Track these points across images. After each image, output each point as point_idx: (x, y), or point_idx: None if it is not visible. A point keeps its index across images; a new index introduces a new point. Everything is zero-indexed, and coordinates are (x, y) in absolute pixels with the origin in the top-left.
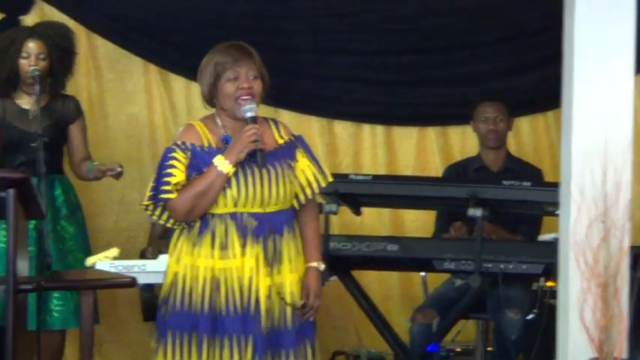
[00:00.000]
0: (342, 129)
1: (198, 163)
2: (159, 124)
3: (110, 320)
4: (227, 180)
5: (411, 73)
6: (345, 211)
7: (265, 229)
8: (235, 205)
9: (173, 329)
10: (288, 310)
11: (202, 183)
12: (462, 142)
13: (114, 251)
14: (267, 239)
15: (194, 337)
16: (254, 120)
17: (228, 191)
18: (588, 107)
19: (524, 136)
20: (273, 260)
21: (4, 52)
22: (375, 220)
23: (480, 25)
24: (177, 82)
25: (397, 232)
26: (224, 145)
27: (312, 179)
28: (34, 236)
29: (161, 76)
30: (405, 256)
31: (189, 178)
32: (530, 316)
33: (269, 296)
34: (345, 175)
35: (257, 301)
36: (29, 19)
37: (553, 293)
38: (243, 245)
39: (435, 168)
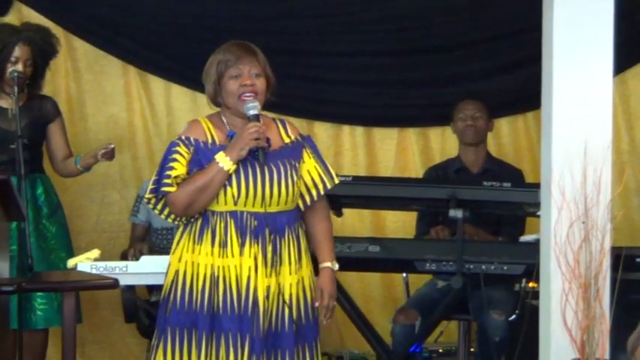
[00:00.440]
0: (322, 130)
1: (201, 158)
2: (138, 125)
3: (92, 321)
4: (228, 177)
5: (391, 74)
6: None
7: (265, 229)
8: (235, 204)
9: (173, 326)
10: (287, 311)
11: (202, 178)
12: (442, 143)
13: (95, 252)
14: (267, 240)
15: (192, 333)
16: (257, 118)
17: (228, 189)
18: (568, 108)
19: (504, 137)
20: (273, 261)
21: None
22: (356, 222)
23: (459, 27)
24: (157, 83)
25: (378, 233)
26: (228, 142)
27: (317, 180)
28: (15, 236)
29: (140, 77)
30: (386, 257)
31: (190, 173)
32: (512, 317)
33: (267, 297)
34: None
35: (255, 301)
36: (7, 21)
37: (535, 294)
38: (242, 244)
39: (415, 169)
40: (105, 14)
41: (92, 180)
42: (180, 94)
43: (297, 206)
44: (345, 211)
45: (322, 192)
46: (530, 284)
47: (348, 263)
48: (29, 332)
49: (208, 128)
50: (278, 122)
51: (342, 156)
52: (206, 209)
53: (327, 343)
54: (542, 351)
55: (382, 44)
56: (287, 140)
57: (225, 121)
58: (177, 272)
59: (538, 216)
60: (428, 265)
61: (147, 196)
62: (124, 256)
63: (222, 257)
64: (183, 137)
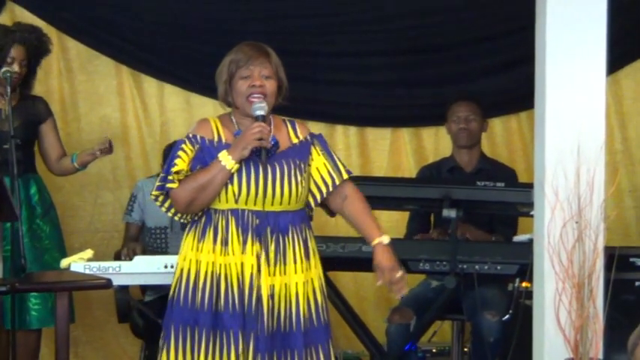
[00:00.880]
0: (316, 130)
1: (205, 156)
2: (131, 125)
3: (85, 322)
4: (230, 176)
5: (384, 74)
6: (320, 213)
7: (267, 227)
8: (236, 202)
9: (176, 324)
10: (294, 311)
11: (204, 176)
12: (436, 143)
13: (88, 252)
14: (270, 238)
15: (195, 331)
16: (263, 118)
17: (229, 187)
18: (561, 108)
19: (498, 137)
20: (276, 260)
21: None
22: None
23: (452, 27)
24: (150, 83)
25: None
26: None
27: (326, 177)
28: (9, 236)
29: (133, 77)
30: None
31: (194, 170)
32: (505, 317)
33: (272, 296)
34: None
35: (259, 299)
36: (0, 21)
37: (529, 294)
38: (244, 242)
39: (409, 169)
40: (98, 14)
41: (85, 180)
42: (173, 94)
43: (306, 207)
44: None
45: (331, 189)
46: (524, 284)
47: (341, 263)
48: (23, 332)
49: (216, 127)
50: (288, 123)
51: None
52: (209, 207)
53: None
54: (535, 351)
55: (376, 45)
56: (295, 141)
57: (234, 121)
58: (182, 270)
59: (531, 216)
60: (421, 264)
61: (153, 193)
62: (117, 257)
63: (224, 255)
64: (190, 135)
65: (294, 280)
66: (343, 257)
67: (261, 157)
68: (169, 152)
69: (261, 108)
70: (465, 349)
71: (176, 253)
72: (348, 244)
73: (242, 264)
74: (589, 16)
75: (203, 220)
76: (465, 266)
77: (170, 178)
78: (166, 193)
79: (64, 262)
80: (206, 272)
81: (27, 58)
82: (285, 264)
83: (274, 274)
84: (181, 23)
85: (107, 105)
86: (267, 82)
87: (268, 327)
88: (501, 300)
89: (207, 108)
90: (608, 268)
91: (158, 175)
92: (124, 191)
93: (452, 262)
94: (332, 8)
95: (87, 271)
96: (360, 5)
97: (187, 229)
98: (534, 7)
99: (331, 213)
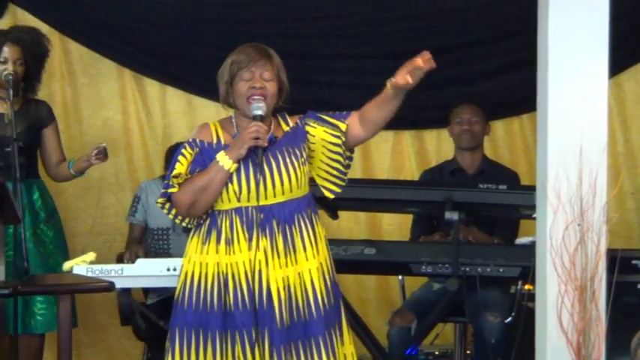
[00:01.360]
0: None
1: (205, 158)
2: (134, 128)
3: (88, 324)
4: (229, 176)
5: (385, 77)
6: (322, 215)
7: (272, 220)
8: (239, 200)
9: (182, 327)
10: (312, 297)
11: (203, 178)
12: (438, 145)
13: (91, 255)
14: (277, 231)
15: (204, 333)
16: (261, 118)
17: (230, 187)
18: (563, 110)
19: (500, 139)
20: (286, 251)
21: None
22: (352, 224)
23: (454, 29)
24: (152, 86)
25: (374, 236)
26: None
27: (332, 139)
28: (12, 240)
29: (135, 80)
30: (382, 260)
31: (192, 173)
32: (508, 320)
33: (285, 288)
34: None
35: (269, 294)
36: (2, 24)
37: (531, 296)
38: (250, 239)
39: (411, 171)
40: (100, 17)
41: (88, 183)
42: (175, 96)
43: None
44: (341, 213)
45: (343, 139)
46: (526, 286)
47: (344, 266)
48: (27, 336)
49: (216, 130)
50: (279, 117)
51: None
52: (212, 209)
53: None
54: (538, 353)
55: (377, 47)
56: (286, 129)
57: (234, 123)
58: (186, 274)
59: (534, 218)
60: (424, 267)
61: (159, 200)
62: (119, 259)
63: (229, 254)
64: (190, 140)
65: (307, 267)
66: (345, 260)
67: (257, 155)
68: (172, 155)
69: (259, 108)
70: (468, 352)
71: (178, 254)
72: (350, 246)
73: (250, 260)
74: (591, 18)
75: (207, 222)
76: (467, 269)
77: (170, 183)
78: (169, 199)
79: (66, 265)
80: (213, 273)
81: (22, 58)
82: (295, 253)
83: (286, 265)
84: (183, 26)
85: (109, 108)
86: (268, 84)
87: (282, 320)
88: (503, 302)
89: (210, 110)
90: (610, 270)
91: (162, 177)
92: (126, 194)
93: (454, 265)
94: (333, 11)
95: (89, 274)
96: (361, 8)
97: (192, 231)
98: (536, 9)
99: (333, 215)
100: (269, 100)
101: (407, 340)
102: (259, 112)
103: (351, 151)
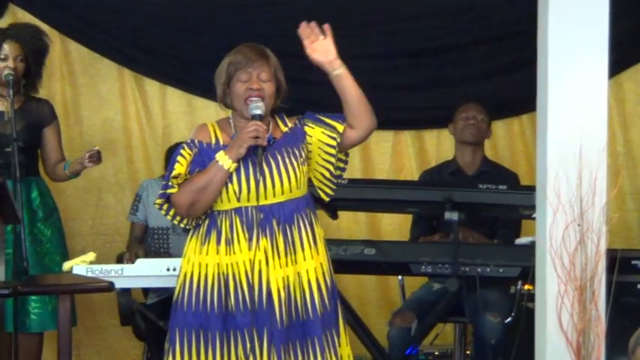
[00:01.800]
0: None
1: (204, 159)
2: (134, 128)
3: (88, 324)
4: (229, 176)
5: (385, 77)
6: (322, 215)
7: (272, 220)
8: (238, 200)
9: (182, 328)
10: (309, 298)
11: (203, 178)
12: (438, 145)
13: (91, 255)
14: (277, 230)
15: (205, 334)
16: (260, 118)
17: (230, 187)
18: (563, 111)
19: (500, 139)
20: (286, 251)
21: None
22: (351, 224)
23: (453, 29)
24: (152, 86)
25: (374, 236)
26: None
27: (329, 141)
28: (11, 239)
29: (135, 80)
30: (382, 260)
31: (191, 174)
32: (508, 320)
33: (285, 288)
34: None
35: (269, 294)
36: (2, 24)
37: (531, 297)
38: (250, 239)
39: (411, 172)
40: (100, 17)
41: (88, 183)
42: (175, 96)
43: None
44: (341, 213)
45: (338, 140)
46: (526, 287)
47: (343, 266)
48: (24, 336)
49: (214, 131)
50: (277, 117)
51: None
52: (212, 209)
53: None
54: (537, 353)
55: (377, 47)
56: (285, 129)
57: (232, 123)
58: (185, 275)
59: (533, 218)
60: (423, 267)
61: (157, 201)
62: (119, 260)
63: (229, 255)
64: (189, 140)
65: (305, 267)
66: (345, 260)
67: (256, 154)
68: (171, 155)
69: (257, 107)
70: (468, 352)
71: (177, 254)
72: (350, 246)
73: (250, 260)
74: (591, 18)
75: (206, 222)
76: (467, 269)
77: (170, 183)
78: (168, 200)
79: (66, 265)
80: (213, 274)
81: (23, 54)
82: (295, 253)
83: (286, 265)
84: (183, 26)
85: (109, 108)
86: (265, 84)
87: (282, 320)
88: (503, 302)
89: (210, 110)
90: (610, 270)
91: (162, 176)
92: (126, 194)
93: (454, 265)
94: (332, 11)
95: (89, 274)
96: (361, 8)
97: (191, 232)
98: (535, 9)
99: (333, 215)
100: (267, 100)
101: (407, 341)
102: (258, 112)
103: (346, 154)
